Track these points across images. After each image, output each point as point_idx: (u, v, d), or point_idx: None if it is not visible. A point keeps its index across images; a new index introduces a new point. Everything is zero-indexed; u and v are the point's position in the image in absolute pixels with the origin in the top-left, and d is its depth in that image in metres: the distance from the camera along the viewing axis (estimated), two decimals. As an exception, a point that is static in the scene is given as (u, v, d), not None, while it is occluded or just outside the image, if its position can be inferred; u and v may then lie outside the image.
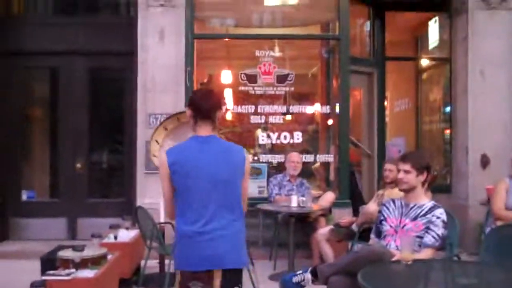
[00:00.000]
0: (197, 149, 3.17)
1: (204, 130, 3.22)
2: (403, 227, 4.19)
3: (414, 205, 4.22)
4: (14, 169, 8.11)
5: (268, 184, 7.44)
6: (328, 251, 6.12)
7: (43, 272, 4.80)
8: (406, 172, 4.22)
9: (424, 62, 10.09)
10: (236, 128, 9.08)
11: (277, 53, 8.04)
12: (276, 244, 7.12)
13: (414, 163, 4.21)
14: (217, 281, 3.09)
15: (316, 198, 7.00)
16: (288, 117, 8.29)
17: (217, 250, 3.09)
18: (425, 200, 4.25)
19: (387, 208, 4.38)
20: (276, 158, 7.94)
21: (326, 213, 6.99)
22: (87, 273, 4.40)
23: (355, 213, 7.07)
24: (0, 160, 7.89)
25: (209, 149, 3.18)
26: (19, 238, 7.98)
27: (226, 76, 8.52)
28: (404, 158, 4.34)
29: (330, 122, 8.46)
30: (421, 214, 4.16)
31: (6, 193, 7.99)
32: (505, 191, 5.74)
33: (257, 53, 7.91)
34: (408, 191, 4.27)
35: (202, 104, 3.21)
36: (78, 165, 8.04)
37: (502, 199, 5.70)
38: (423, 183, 4.28)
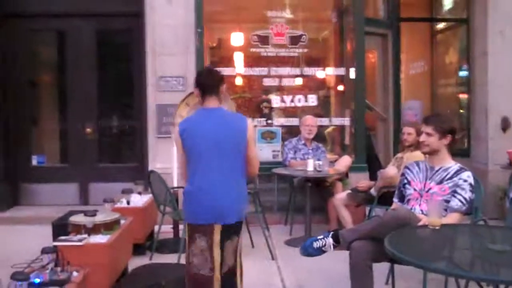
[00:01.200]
0: (203, 118, 3.66)
1: (211, 104, 3.68)
2: (428, 190, 4.03)
3: (440, 168, 4.06)
4: (23, 134, 7.98)
5: (282, 148, 7.29)
6: (346, 215, 6.01)
7: (55, 238, 4.72)
8: (428, 134, 4.07)
9: (440, 23, 9.82)
10: (246, 94, 8.92)
11: (289, 14, 7.80)
12: (292, 209, 7.00)
13: (436, 126, 4.05)
14: (217, 236, 3.56)
15: (331, 163, 6.85)
16: (302, 80, 8.08)
17: (216, 205, 3.55)
18: (451, 163, 4.08)
19: (411, 171, 4.22)
20: (290, 122, 7.76)
21: (343, 177, 6.86)
22: (100, 238, 4.30)
23: (372, 177, 6.93)
24: (9, 125, 7.75)
25: (214, 118, 3.64)
26: (30, 203, 7.89)
27: (236, 38, 8.29)
28: (427, 121, 4.20)
29: (344, 85, 8.26)
30: (447, 177, 4.00)
31: (16, 158, 7.88)
32: (529, 155, 5.56)
33: (269, 14, 7.68)
34: (431, 153, 4.12)
35: (207, 82, 3.70)
36: (88, 130, 7.91)
37: (527, 162, 5.53)
38: (447, 146, 4.11)
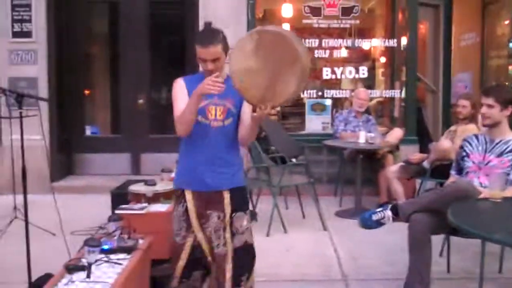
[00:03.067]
0: None
1: None
2: (487, 163, 4.01)
3: (500, 141, 4.02)
4: (77, 105, 8.14)
5: (333, 120, 7.30)
6: (398, 188, 6.00)
7: (114, 206, 4.83)
8: (489, 106, 3.99)
9: (493, -7, 9.61)
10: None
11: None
12: (341, 181, 7.02)
13: (498, 97, 3.98)
14: None
15: (382, 135, 6.83)
16: (353, 51, 8.03)
17: None
18: (511, 136, 4.04)
19: (470, 144, 4.18)
20: (341, 94, 7.73)
21: (393, 150, 6.83)
22: (160, 207, 4.38)
23: (422, 150, 6.90)
24: (63, 96, 7.88)
25: None
26: (83, 173, 8.08)
27: (287, 9, 8.23)
28: (487, 92, 4.10)
29: (395, 56, 8.18)
30: (507, 150, 3.96)
31: (71, 128, 8.05)
32: None
33: (320, -15, 7.61)
34: (492, 126, 4.06)
35: None
36: (140, 101, 8.01)
37: None
38: (507, 118, 4.07)
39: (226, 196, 3.21)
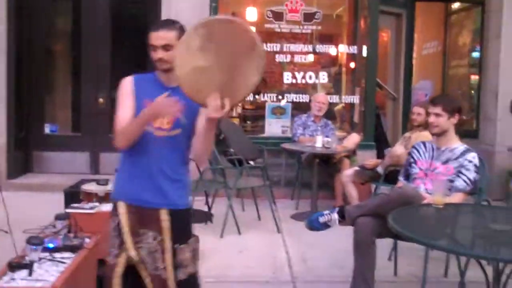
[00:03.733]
0: None
1: None
2: (433, 170, 4.10)
3: (446, 149, 4.12)
4: (37, 102, 8.05)
5: (292, 124, 7.37)
6: (352, 192, 6.09)
7: (67, 205, 4.81)
8: (437, 115, 4.11)
9: (454, 4, 9.78)
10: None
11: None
12: (299, 184, 7.09)
13: (445, 106, 4.10)
14: None
15: (340, 140, 6.91)
16: (314, 56, 8.11)
17: None
18: (457, 144, 4.15)
19: (418, 150, 4.28)
20: (300, 98, 7.80)
21: (350, 154, 6.92)
22: (110, 207, 4.37)
23: (379, 155, 7.00)
24: (23, 93, 7.81)
25: None
26: (42, 170, 8.00)
27: (251, 13, 8.29)
28: (434, 101, 4.23)
29: (356, 63, 8.29)
30: (452, 157, 4.07)
31: (29, 126, 7.97)
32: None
33: (283, -10, 7.69)
34: (440, 134, 4.16)
35: None
36: (101, 100, 7.97)
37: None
38: (455, 126, 4.17)
39: (164, 218, 2.82)
